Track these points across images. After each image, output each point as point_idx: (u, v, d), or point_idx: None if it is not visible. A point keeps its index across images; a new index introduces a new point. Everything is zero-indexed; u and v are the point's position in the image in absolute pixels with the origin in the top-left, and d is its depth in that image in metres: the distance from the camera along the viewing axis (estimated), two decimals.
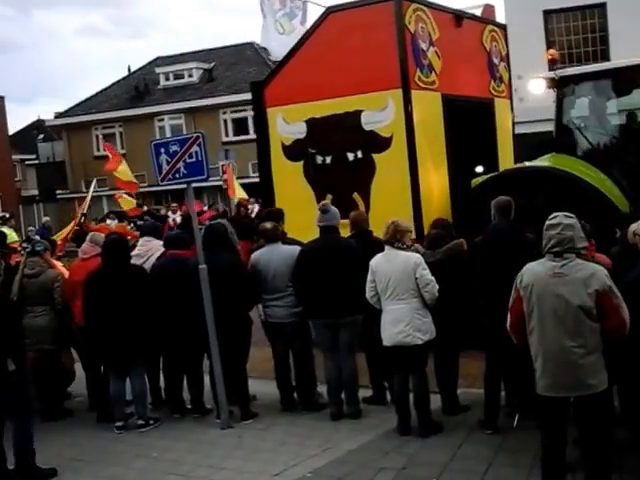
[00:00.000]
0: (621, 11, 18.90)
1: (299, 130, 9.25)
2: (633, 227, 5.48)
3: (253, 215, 16.49)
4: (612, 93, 9.09)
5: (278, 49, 11.65)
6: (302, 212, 8.30)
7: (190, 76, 37.37)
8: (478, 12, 11.31)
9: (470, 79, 9.76)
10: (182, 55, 39.34)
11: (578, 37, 21.06)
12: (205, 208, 19.98)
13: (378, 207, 8.56)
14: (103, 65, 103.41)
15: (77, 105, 39.43)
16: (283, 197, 9.29)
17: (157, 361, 7.60)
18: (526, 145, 10.81)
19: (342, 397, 6.89)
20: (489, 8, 11.45)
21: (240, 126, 35.23)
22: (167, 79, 37.87)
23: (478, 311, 6.34)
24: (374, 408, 6.97)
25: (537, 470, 4.84)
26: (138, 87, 37.87)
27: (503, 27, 10.91)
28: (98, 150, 38.02)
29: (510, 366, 6.03)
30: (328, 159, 9.11)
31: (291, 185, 9.33)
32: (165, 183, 7.20)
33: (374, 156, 8.77)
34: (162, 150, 6.98)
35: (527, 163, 8.91)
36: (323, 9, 9.41)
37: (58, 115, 40.37)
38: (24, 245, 8.62)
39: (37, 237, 8.83)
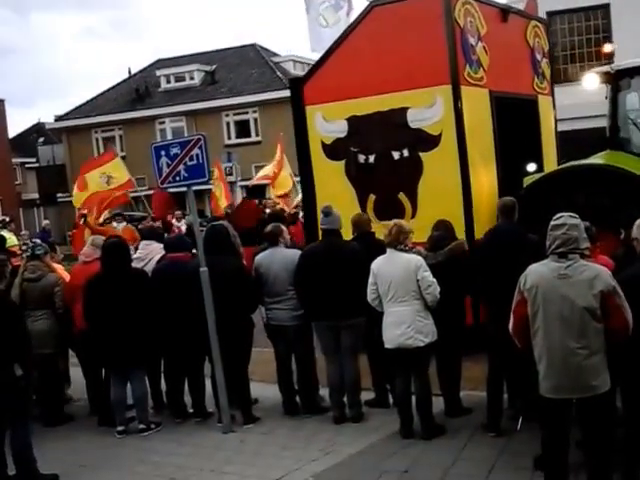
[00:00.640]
0: (624, 12, 18.91)
1: (340, 128, 8.97)
2: (635, 231, 5.43)
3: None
4: None
5: (320, 43, 11.30)
6: (344, 212, 7.67)
7: (191, 78, 37.39)
8: (521, 7, 10.92)
9: (515, 76, 9.53)
10: (183, 57, 39.37)
11: (582, 38, 21.06)
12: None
13: (426, 208, 8.29)
14: (102, 68, 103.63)
15: (77, 108, 39.46)
16: (324, 197, 8.89)
17: (158, 365, 7.57)
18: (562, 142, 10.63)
19: (344, 400, 6.86)
20: (531, 3, 11.18)
21: (242, 128, 35.28)
22: (168, 81, 37.88)
23: (480, 313, 6.32)
24: (376, 411, 6.94)
25: (540, 472, 4.82)
26: (139, 90, 37.90)
27: (545, 23, 10.67)
28: (99, 153, 38.08)
29: (513, 368, 6.01)
30: (371, 158, 8.84)
31: (332, 185, 9.08)
32: (165, 186, 7.17)
33: (421, 155, 8.48)
34: (162, 153, 6.94)
35: (582, 161, 8.56)
36: (367, 1, 9.14)
37: (58, 118, 40.44)
38: (24, 248, 8.60)
39: (37, 240, 8.78)
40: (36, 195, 41.75)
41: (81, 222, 12.95)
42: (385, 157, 8.68)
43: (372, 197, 8.64)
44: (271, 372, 7.38)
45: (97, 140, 38.17)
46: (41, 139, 45.93)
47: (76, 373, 7.90)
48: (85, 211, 13.46)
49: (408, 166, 8.53)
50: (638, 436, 4.80)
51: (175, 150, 6.89)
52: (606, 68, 8.82)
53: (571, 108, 14.17)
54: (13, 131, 45.75)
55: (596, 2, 20.27)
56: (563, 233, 4.50)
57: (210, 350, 6.77)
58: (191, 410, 7.33)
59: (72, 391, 8.03)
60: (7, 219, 16.31)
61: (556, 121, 10.62)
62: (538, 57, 10.11)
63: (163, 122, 35.94)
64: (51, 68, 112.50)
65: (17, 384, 5.61)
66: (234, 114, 35.45)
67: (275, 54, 39.14)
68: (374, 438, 6.33)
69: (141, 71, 40.94)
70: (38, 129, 48.66)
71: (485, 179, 8.61)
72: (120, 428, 6.96)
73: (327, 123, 9.06)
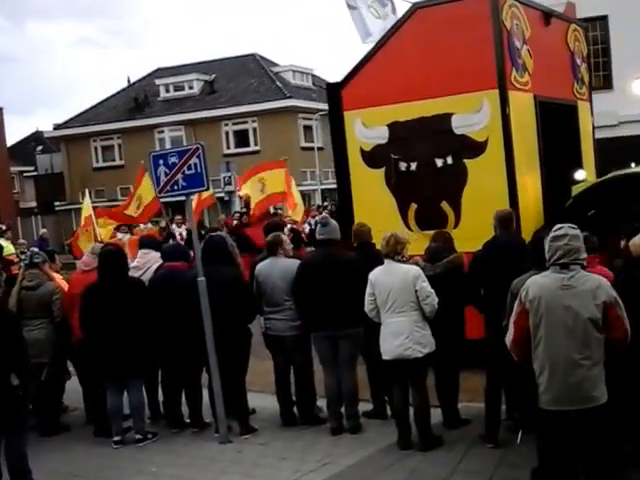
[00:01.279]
0: (622, 24, 18.95)
1: (380, 135, 8.65)
2: (637, 240, 5.43)
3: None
4: None
5: (379, 34, 10.96)
6: (383, 222, 7.75)
7: (191, 88, 37.49)
8: (560, 10, 10.69)
9: (557, 80, 9.32)
10: (183, 66, 39.47)
11: None
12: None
13: (470, 216, 8.03)
14: (100, 76, 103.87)
15: (76, 117, 39.52)
16: (362, 206, 8.73)
17: (155, 374, 7.54)
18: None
19: (342, 411, 6.84)
20: (570, 6, 10.92)
21: (241, 138, 35.35)
22: (167, 90, 37.97)
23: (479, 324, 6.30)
24: (374, 422, 6.91)
25: None
26: (138, 98, 37.98)
27: (584, 27, 10.42)
28: (97, 162, 38.18)
29: (511, 379, 5.98)
30: (413, 165, 8.51)
31: (371, 193, 8.77)
32: (163, 195, 7.16)
33: (466, 162, 8.19)
34: (161, 162, 6.94)
35: (635, 168, 8.37)
36: (409, 4, 8.91)
37: (57, 127, 40.50)
38: (22, 257, 8.57)
39: (35, 249, 8.75)
40: (34, 204, 41.77)
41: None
42: (428, 164, 8.41)
43: (413, 206, 8.39)
44: (268, 382, 7.36)
45: (96, 149, 38.24)
46: (39, 147, 46.00)
47: (73, 382, 7.85)
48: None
49: (452, 174, 8.26)
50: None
51: (173, 159, 6.88)
52: None
53: None
54: (11, 139, 45.80)
55: (594, 14, 20.34)
56: (565, 244, 4.50)
57: (208, 360, 6.75)
58: (188, 420, 7.30)
59: (68, 400, 7.98)
60: (3, 227, 16.27)
61: (594, 127, 10.37)
62: (578, 61, 9.90)
63: (162, 131, 35.97)
64: (49, 76, 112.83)
65: (13, 393, 5.57)
66: (233, 124, 35.54)
67: (275, 64, 39.26)
68: (372, 449, 6.31)
69: (140, 80, 41.04)
70: (36, 137, 48.70)
71: (531, 187, 8.37)
72: (117, 438, 6.93)
73: (367, 129, 8.78)
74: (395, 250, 6.24)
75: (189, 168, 6.82)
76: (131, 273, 7.38)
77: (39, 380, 7.03)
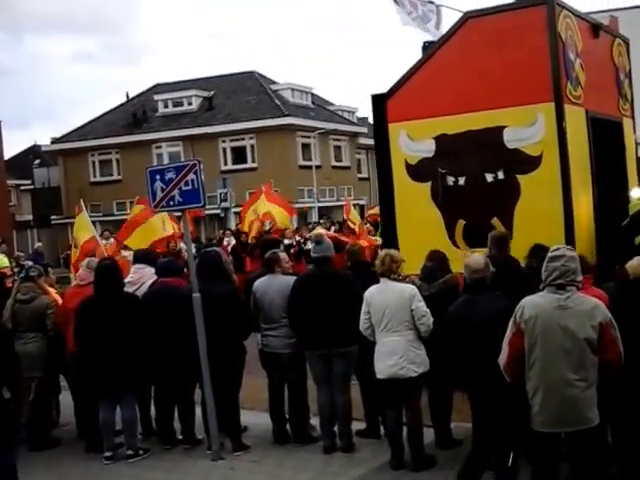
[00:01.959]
0: (630, 26, 18.90)
1: (427, 148, 8.33)
2: (635, 262, 5.44)
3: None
4: None
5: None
6: (428, 238, 7.52)
7: (189, 104, 37.60)
8: (605, 23, 10.14)
9: (604, 95, 9.03)
10: (182, 82, 39.60)
11: None
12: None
13: (523, 233, 7.60)
14: (97, 91, 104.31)
15: (74, 131, 39.58)
16: (406, 221, 8.37)
17: (148, 390, 7.51)
18: None
19: (335, 430, 6.81)
20: (613, 20, 10.59)
21: (239, 155, 35.45)
22: (166, 106, 38.08)
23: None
24: (367, 441, 6.89)
25: None
26: (136, 114, 38.06)
27: (627, 41, 10.06)
28: (94, 176, 38.22)
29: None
30: (461, 180, 8.17)
31: (416, 208, 8.40)
32: (159, 210, 7.17)
33: (519, 177, 7.85)
34: (157, 177, 6.96)
35: None
36: (459, 13, 8.72)
37: (55, 140, 40.52)
38: (16, 270, 8.56)
39: (29, 262, 8.75)
40: (30, 217, 41.73)
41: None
42: (477, 179, 8.07)
43: (461, 222, 8.06)
44: (261, 400, 7.33)
45: (93, 163, 38.28)
46: (37, 161, 46.02)
47: (65, 396, 7.82)
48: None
49: (503, 189, 7.94)
50: (632, 471, 4.78)
51: (170, 175, 6.90)
52: None
53: None
54: (9, 153, 45.86)
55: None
56: (562, 265, 4.52)
57: (201, 376, 6.72)
58: (180, 437, 7.26)
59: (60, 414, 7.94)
60: None
61: (637, 145, 10.16)
62: (621, 77, 9.58)
63: (160, 146, 36.08)
64: (47, 91, 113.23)
65: (5, 407, 5.55)
66: (231, 140, 35.64)
67: (273, 82, 39.44)
68: (364, 469, 6.28)
69: (139, 95, 41.16)
70: (34, 151, 48.75)
71: (584, 204, 8.09)
72: (108, 454, 6.89)
73: (412, 142, 8.45)
74: (391, 269, 6.25)
75: (186, 184, 6.85)
76: (125, 288, 7.36)
77: (31, 394, 7.00)
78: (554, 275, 4.52)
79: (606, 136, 8.83)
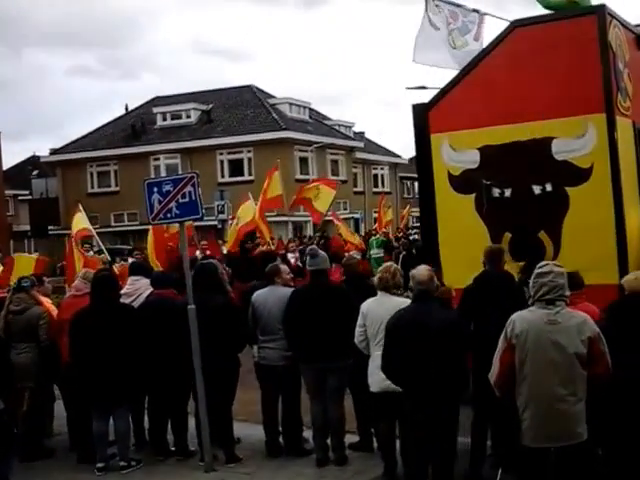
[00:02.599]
0: None
1: (471, 159, 8.13)
2: (630, 277, 5.47)
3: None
4: None
5: (452, 63, 10.58)
6: (472, 252, 7.28)
7: (188, 117, 37.77)
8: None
9: None
10: (180, 95, 39.79)
11: None
12: None
13: (571, 247, 7.50)
14: (95, 104, 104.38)
15: (73, 142, 39.69)
16: (448, 234, 8.17)
17: (142, 401, 7.51)
18: None
19: (328, 442, 6.82)
20: None
21: (236, 167, 35.56)
22: (164, 119, 38.24)
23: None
24: (360, 455, 6.89)
25: None
26: (135, 126, 38.20)
27: None
28: (92, 187, 38.29)
29: (498, 414, 5.98)
30: (507, 192, 7.97)
31: (459, 221, 8.19)
32: (156, 223, 7.21)
33: (568, 189, 7.65)
34: (155, 189, 6.99)
35: None
36: (504, 23, 8.50)
37: (54, 151, 40.60)
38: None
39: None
40: (28, 227, 41.69)
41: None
42: (524, 191, 7.85)
43: (507, 235, 7.83)
44: (254, 412, 7.34)
45: (92, 174, 38.36)
46: (35, 172, 46.06)
47: (58, 407, 7.81)
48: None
49: (551, 201, 7.73)
50: None
51: (167, 187, 6.94)
52: None
53: None
54: (7, 163, 45.95)
55: None
56: (550, 280, 4.56)
57: (195, 388, 6.73)
58: (173, 448, 7.26)
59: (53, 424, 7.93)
60: None
61: None
62: None
63: (158, 158, 36.18)
64: (47, 103, 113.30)
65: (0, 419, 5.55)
66: (228, 153, 35.77)
67: (271, 96, 39.62)
68: None
69: (138, 108, 41.31)
70: (33, 162, 48.81)
71: (634, 218, 7.89)
72: (100, 465, 6.87)
73: (456, 153, 8.26)
74: (389, 283, 6.27)
75: (183, 196, 6.88)
76: (122, 300, 7.37)
77: (24, 404, 7.00)
78: (543, 290, 4.57)
79: None
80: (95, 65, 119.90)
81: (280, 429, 7.15)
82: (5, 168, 43.04)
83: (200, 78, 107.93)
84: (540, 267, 4.66)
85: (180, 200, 6.89)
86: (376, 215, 26.39)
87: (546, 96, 7.72)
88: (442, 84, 8.69)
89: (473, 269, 6.75)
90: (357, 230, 33.50)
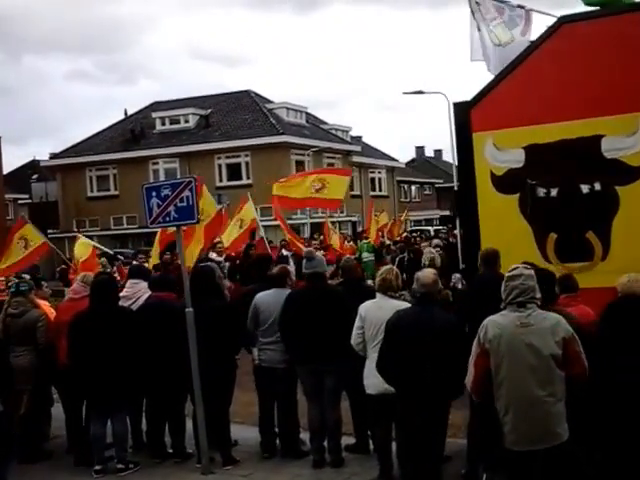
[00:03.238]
0: None
1: (516, 158, 7.90)
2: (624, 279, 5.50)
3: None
4: None
5: (494, 62, 10.41)
6: (517, 252, 7.14)
7: (186, 121, 37.88)
8: None
9: None
10: (179, 100, 39.92)
11: None
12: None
13: (621, 248, 7.33)
14: (95, 109, 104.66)
15: (73, 147, 39.75)
16: (491, 235, 7.90)
17: (140, 404, 7.53)
18: None
19: (325, 444, 6.85)
20: None
21: (234, 171, 35.65)
22: (163, 124, 38.36)
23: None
24: (356, 456, 6.92)
25: None
26: (134, 130, 38.29)
27: None
28: (92, 191, 38.36)
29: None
30: (554, 192, 7.74)
31: (502, 221, 7.96)
32: (155, 226, 7.25)
33: (618, 189, 7.45)
34: (153, 194, 7.03)
35: None
36: (551, 18, 8.27)
37: (53, 156, 40.68)
38: (10, 284, 8.60)
39: (26, 276, 8.80)
40: None
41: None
42: (571, 191, 7.66)
43: (553, 236, 7.66)
44: (252, 414, 7.37)
45: (91, 178, 38.44)
46: (35, 176, 46.09)
47: (56, 409, 7.83)
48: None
49: (600, 201, 7.53)
50: None
51: (166, 191, 6.97)
52: None
53: None
54: (7, 167, 45.96)
55: None
56: (521, 283, 4.60)
57: (192, 390, 6.77)
58: (170, 450, 7.28)
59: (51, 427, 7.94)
60: None
61: None
62: None
63: (157, 163, 36.26)
64: (46, 108, 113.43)
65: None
66: (226, 157, 35.85)
67: (269, 101, 39.72)
68: None
69: (137, 113, 41.41)
70: (33, 166, 48.84)
71: None
72: (98, 467, 6.89)
73: (499, 152, 8.05)
74: (398, 286, 6.30)
75: (181, 201, 6.93)
76: (120, 303, 7.40)
77: (22, 407, 7.02)
78: (514, 294, 4.60)
79: None
80: (93, 70, 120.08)
81: (276, 430, 7.18)
82: (5, 172, 42.97)
83: (198, 83, 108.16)
84: (510, 271, 4.70)
85: (178, 204, 6.93)
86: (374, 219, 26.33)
87: (594, 93, 7.55)
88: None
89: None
90: (354, 233, 33.53)
